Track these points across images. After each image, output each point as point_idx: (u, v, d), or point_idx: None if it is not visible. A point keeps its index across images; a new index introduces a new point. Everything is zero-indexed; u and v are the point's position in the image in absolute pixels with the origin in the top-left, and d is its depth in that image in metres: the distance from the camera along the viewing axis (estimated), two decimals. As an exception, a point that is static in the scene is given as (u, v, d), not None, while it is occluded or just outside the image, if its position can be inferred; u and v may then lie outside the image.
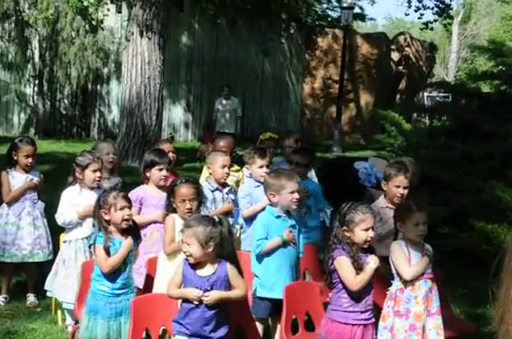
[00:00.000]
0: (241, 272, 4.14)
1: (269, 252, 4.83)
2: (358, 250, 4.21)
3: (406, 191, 5.30)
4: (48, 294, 5.58)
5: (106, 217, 4.48)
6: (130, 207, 4.56)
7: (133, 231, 4.59)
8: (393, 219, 4.68)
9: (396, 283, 4.45)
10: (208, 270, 4.01)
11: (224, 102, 15.80)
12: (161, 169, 5.56)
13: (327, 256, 4.30)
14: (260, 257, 4.87)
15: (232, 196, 5.89)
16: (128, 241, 4.48)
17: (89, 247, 4.56)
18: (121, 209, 4.46)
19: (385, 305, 4.48)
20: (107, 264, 4.41)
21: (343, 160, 12.29)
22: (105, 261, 4.41)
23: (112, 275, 4.44)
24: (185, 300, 4.01)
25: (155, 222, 5.34)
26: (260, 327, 4.79)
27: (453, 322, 4.83)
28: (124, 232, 4.52)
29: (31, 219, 6.03)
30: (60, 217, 5.37)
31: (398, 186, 5.29)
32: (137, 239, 4.61)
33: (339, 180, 7.38)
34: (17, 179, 6.00)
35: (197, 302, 3.94)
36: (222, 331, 4.06)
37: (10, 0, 16.74)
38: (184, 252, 4.01)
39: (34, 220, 6.04)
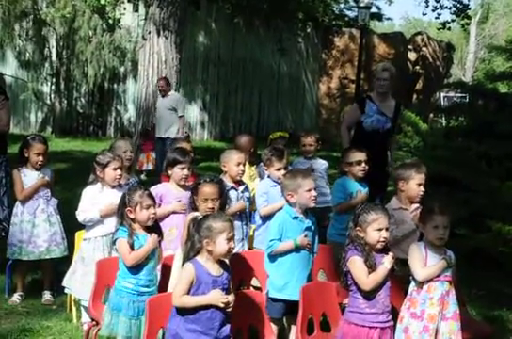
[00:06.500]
0: None
1: (282, 253, 4.81)
2: (371, 250, 4.20)
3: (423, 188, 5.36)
4: (66, 290, 5.58)
5: (131, 216, 4.50)
6: (155, 206, 4.60)
7: (156, 228, 4.61)
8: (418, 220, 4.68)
9: (412, 284, 4.43)
10: (216, 268, 4.00)
11: (161, 100, 12.38)
12: (183, 169, 5.58)
13: (342, 257, 4.29)
14: (272, 257, 4.86)
15: (246, 194, 5.88)
16: (153, 237, 4.50)
17: (114, 242, 4.55)
18: (147, 208, 4.49)
19: (403, 307, 4.45)
20: (131, 257, 4.42)
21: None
22: (129, 254, 4.42)
23: (136, 270, 4.45)
24: (202, 308, 3.91)
25: (174, 213, 5.42)
26: (274, 327, 4.76)
27: (469, 324, 4.78)
28: (148, 228, 4.55)
29: (46, 216, 6.04)
30: (81, 215, 5.35)
31: (420, 184, 5.34)
32: (159, 236, 4.61)
33: None
34: (29, 177, 6.01)
35: (222, 305, 3.89)
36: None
37: (28, -1, 16.86)
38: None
39: (49, 217, 6.06)
